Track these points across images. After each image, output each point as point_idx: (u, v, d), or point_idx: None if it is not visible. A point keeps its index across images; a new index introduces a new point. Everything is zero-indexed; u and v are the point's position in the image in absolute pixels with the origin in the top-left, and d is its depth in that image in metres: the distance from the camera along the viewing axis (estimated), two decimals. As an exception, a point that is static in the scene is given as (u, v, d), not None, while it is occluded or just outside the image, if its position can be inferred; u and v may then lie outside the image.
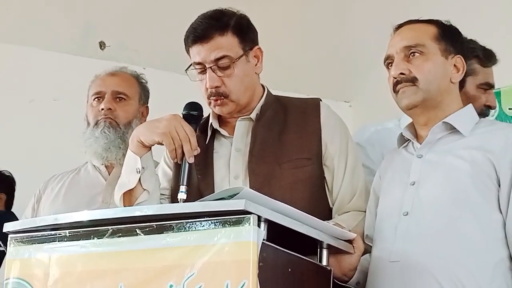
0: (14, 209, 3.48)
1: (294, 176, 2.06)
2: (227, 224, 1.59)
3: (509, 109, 3.75)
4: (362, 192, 2.14)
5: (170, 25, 3.62)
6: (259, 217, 1.59)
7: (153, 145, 2.02)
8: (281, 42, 3.71)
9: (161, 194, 2.10)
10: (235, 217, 1.58)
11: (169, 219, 1.65)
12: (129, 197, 2.02)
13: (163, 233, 1.64)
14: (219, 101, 2.07)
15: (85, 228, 1.72)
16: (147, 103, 2.61)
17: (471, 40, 2.32)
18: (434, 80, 1.97)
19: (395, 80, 1.99)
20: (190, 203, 1.72)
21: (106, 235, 1.69)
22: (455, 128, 1.98)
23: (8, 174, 3.45)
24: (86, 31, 3.66)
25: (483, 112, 2.37)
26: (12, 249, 1.79)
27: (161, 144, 2.00)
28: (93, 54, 3.65)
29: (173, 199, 2.08)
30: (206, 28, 2.06)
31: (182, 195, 1.94)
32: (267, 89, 2.20)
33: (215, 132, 2.15)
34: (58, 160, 3.21)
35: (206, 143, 2.13)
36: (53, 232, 1.75)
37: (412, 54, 1.98)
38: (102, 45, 3.70)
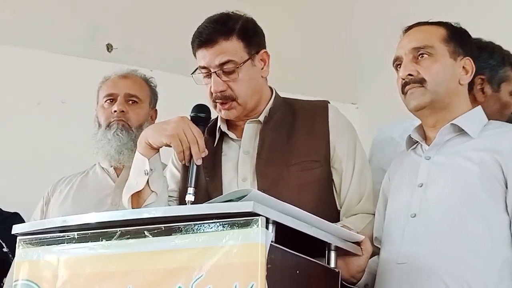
0: (22, 210, 3.48)
1: (302, 178, 2.06)
2: (235, 226, 1.59)
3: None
4: (370, 194, 2.14)
5: (176, 28, 3.62)
6: (267, 219, 1.59)
7: (161, 147, 2.03)
8: (287, 43, 3.71)
9: (169, 196, 2.10)
10: (243, 219, 1.59)
11: (177, 221, 1.65)
12: (137, 199, 2.02)
13: (171, 235, 1.64)
14: (226, 105, 2.07)
15: (93, 230, 1.73)
16: (156, 107, 2.62)
17: (506, 50, 2.33)
18: (442, 82, 1.97)
19: (403, 81, 1.99)
20: (198, 205, 1.73)
21: (115, 237, 1.70)
22: (463, 130, 1.97)
23: None
24: (93, 34, 3.66)
25: None
26: (21, 251, 1.80)
27: (169, 146, 2.01)
28: (100, 56, 3.65)
29: (181, 201, 2.09)
30: (211, 32, 2.07)
31: (190, 197, 1.94)
32: (275, 91, 2.20)
33: (223, 135, 2.16)
34: (66, 162, 3.21)
35: (215, 145, 2.13)
36: (61, 234, 1.76)
37: (420, 56, 1.98)
38: (109, 47, 3.70)
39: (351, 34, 4.03)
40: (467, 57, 2.01)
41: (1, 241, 2.51)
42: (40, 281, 1.76)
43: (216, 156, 2.12)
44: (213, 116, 2.15)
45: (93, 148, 2.52)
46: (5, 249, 2.55)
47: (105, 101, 2.54)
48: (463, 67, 2.00)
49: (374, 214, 2.12)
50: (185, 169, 2.06)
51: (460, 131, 1.98)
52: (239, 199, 1.65)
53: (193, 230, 1.62)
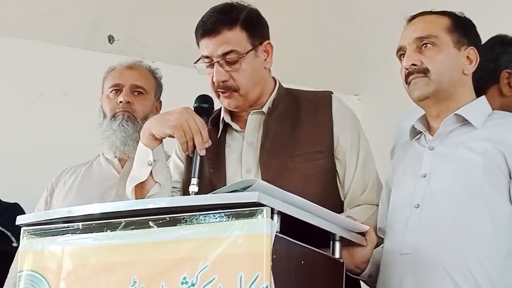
0: (24, 202, 3.48)
1: (306, 169, 2.06)
2: (240, 216, 1.59)
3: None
4: (374, 185, 2.14)
5: (178, 19, 3.61)
6: (272, 210, 1.59)
7: (164, 137, 2.02)
8: (289, 35, 3.69)
9: (172, 187, 2.10)
10: (248, 209, 1.58)
11: (182, 211, 1.65)
12: (140, 190, 2.02)
13: (176, 225, 1.64)
14: (227, 93, 2.07)
15: (98, 220, 1.73)
16: (160, 98, 2.61)
17: None
18: (446, 72, 1.96)
19: (407, 71, 1.98)
20: (203, 195, 1.73)
21: (119, 227, 1.70)
22: (467, 120, 1.97)
23: None
24: (95, 25, 3.66)
25: None
26: (25, 241, 1.80)
27: (173, 137, 2.00)
28: (102, 48, 3.64)
29: (185, 192, 2.08)
30: (214, 22, 2.06)
31: (193, 188, 1.94)
32: (279, 82, 2.20)
33: (227, 126, 2.15)
34: (68, 153, 3.21)
35: (218, 137, 2.13)
36: (66, 225, 1.76)
37: (424, 46, 1.98)
38: (111, 39, 3.69)
39: (354, 25, 4.02)
40: (471, 47, 2.00)
41: (11, 236, 2.51)
42: (44, 272, 1.76)
43: (220, 147, 2.12)
44: (216, 107, 2.14)
45: (98, 138, 2.51)
46: (14, 244, 2.55)
47: (111, 92, 2.54)
48: (467, 57, 1.99)
49: (378, 205, 2.11)
50: (189, 160, 2.06)
51: (464, 121, 1.97)
52: (244, 189, 1.65)
53: (198, 221, 1.62)
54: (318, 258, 1.75)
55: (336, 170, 2.12)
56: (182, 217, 1.64)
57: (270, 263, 1.55)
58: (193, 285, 1.60)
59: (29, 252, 1.79)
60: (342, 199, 2.13)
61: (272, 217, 1.59)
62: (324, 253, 1.80)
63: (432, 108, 2.00)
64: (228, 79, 2.06)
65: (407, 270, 1.89)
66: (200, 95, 2.08)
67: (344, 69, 4.07)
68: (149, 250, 1.66)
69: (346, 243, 1.86)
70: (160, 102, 2.61)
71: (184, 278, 1.61)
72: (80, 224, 1.74)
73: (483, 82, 2.20)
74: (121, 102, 2.49)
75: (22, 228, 1.81)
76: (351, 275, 1.94)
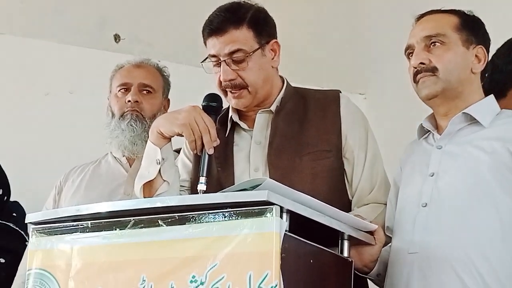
0: (30, 201, 3.49)
1: (314, 168, 2.06)
2: (249, 215, 1.59)
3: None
4: (382, 184, 2.14)
5: (184, 18, 3.61)
6: (281, 208, 1.59)
7: (172, 136, 2.02)
8: (294, 34, 3.69)
9: (180, 186, 2.09)
10: (257, 208, 1.59)
11: (191, 210, 1.65)
12: (149, 189, 2.02)
13: (185, 224, 1.64)
14: (236, 93, 2.07)
15: (107, 219, 1.73)
16: (168, 97, 2.61)
17: None
18: (454, 70, 1.96)
19: (415, 70, 1.98)
20: (212, 194, 1.72)
21: (128, 226, 1.70)
22: (475, 119, 1.96)
23: None
24: (101, 24, 3.65)
25: None
26: (34, 239, 1.80)
27: (181, 135, 2.00)
28: (108, 47, 3.63)
29: (193, 191, 2.08)
30: (221, 21, 2.06)
31: (202, 187, 1.94)
32: (287, 81, 2.20)
33: (234, 125, 2.15)
34: (74, 152, 3.22)
35: (226, 136, 2.13)
36: (75, 223, 1.76)
37: (432, 44, 1.97)
38: (116, 38, 3.69)
39: (359, 24, 4.02)
40: (480, 46, 1.99)
41: (25, 234, 2.51)
42: (53, 270, 1.76)
43: (228, 146, 2.12)
44: (224, 106, 2.14)
45: (107, 138, 2.51)
46: (27, 243, 2.55)
47: (119, 90, 2.53)
48: (476, 55, 1.99)
49: (386, 204, 2.11)
50: (197, 159, 2.06)
51: (472, 120, 1.97)
52: (253, 188, 1.65)
53: (207, 219, 1.63)
54: (326, 257, 1.75)
55: (344, 169, 2.12)
56: (191, 215, 1.64)
57: (279, 262, 1.55)
58: (202, 283, 1.60)
59: (38, 250, 1.79)
60: (350, 198, 2.13)
61: (281, 216, 1.59)
62: (333, 252, 1.80)
63: (440, 107, 2.00)
64: (236, 77, 2.06)
65: (414, 268, 1.89)
66: (209, 94, 2.08)
67: (350, 68, 4.06)
68: (158, 249, 1.66)
69: (355, 242, 1.86)
70: (168, 100, 2.61)
71: (193, 276, 1.61)
72: (89, 222, 1.74)
73: (503, 85, 2.20)
74: (129, 101, 2.48)
75: (31, 227, 1.81)
76: (360, 274, 1.94)
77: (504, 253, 1.84)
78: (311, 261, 1.68)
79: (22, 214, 2.62)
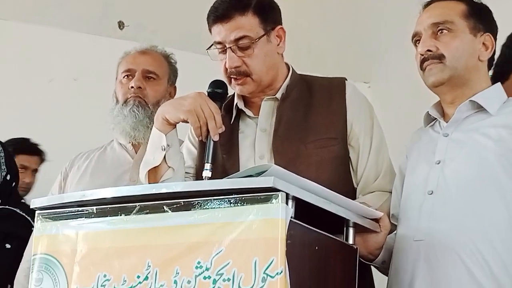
0: (35, 188, 3.51)
1: (319, 156, 2.05)
2: (255, 201, 1.58)
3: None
4: (387, 172, 2.13)
5: (188, 5, 3.61)
6: (287, 195, 1.59)
7: (178, 122, 2.01)
8: (298, 23, 3.68)
9: (185, 172, 2.09)
10: (263, 195, 1.58)
11: (196, 196, 1.64)
12: (154, 175, 2.01)
13: (190, 210, 1.64)
14: (240, 80, 2.06)
15: (112, 204, 1.72)
16: (175, 83, 2.60)
17: None
18: (461, 58, 1.95)
19: (422, 57, 1.97)
20: (218, 180, 1.71)
21: (134, 211, 1.69)
22: (482, 107, 1.95)
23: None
24: (105, 11, 3.66)
25: None
26: (39, 225, 1.80)
27: (186, 121, 1.99)
28: (112, 33, 3.64)
29: (198, 177, 2.08)
30: (226, 7, 2.05)
31: (207, 173, 1.93)
32: (292, 68, 2.19)
33: (240, 112, 2.15)
34: (78, 139, 3.22)
35: (231, 123, 2.12)
36: (80, 209, 1.76)
37: (440, 31, 1.96)
38: (121, 25, 3.69)
39: (364, 13, 4.01)
40: (487, 33, 1.98)
41: (32, 220, 2.52)
42: (59, 255, 1.76)
43: (233, 133, 2.11)
44: (230, 93, 2.14)
45: (110, 123, 2.50)
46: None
47: (123, 77, 2.52)
48: (483, 43, 1.98)
49: (391, 192, 2.11)
50: (202, 146, 2.06)
51: (479, 108, 1.96)
52: (258, 174, 1.64)
53: (213, 205, 1.62)
54: (332, 244, 1.75)
55: (349, 157, 2.11)
56: (196, 201, 1.64)
57: (285, 248, 1.54)
58: (207, 269, 1.59)
59: (43, 235, 1.79)
60: (355, 186, 2.12)
61: (287, 203, 1.58)
62: (338, 239, 1.80)
63: (447, 94, 1.99)
64: (241, 64, 2.06)
65: (420, 256, 1.89)
66: (214, 80, 2.07)
67: (354, 56, 4.06)
68: (163, 235, 1.66)
69: (360, 229, 1.86)
70: (175, 87, 2.59)
71: (199, 262, 1.61)
72: (94, 208, 1.74)
73: (506, 67, 2.18)
74: (132, 87, 2.47)
75: (36, 212, 1.81)
76: (364, 261, 1.94)
77: (510, 241, 1.83)
78: (316, 248, 1.67)
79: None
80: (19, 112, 3.50)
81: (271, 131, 2.09)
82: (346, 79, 2.19)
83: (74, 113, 3.50)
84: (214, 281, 1.58)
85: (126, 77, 2.52)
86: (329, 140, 2.07)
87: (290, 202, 1.60)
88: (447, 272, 1.84)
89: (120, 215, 1.70)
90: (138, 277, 1.65)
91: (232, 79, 2.08)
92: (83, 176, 2.48)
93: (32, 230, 2.44)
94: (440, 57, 1.95)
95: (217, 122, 1.97)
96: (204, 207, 1.63)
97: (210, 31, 2.11)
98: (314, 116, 2.09)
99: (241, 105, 2.14)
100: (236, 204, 1.60)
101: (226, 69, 2.07)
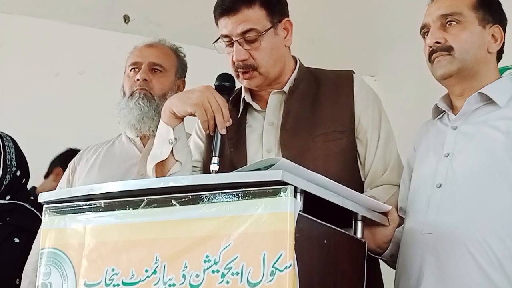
0: (39, 182, 3.51)
1: (327, 149, 2.04)
2: (263, 195, 1.58)
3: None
4: (395, 165, 2.12)
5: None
6: (295, 188, 1.58)
7: (185, 116, 2.01)
8: (304, 15, 3.67)
9: (193, 166, 2.09)
10: (272, 188, 1.57)
11: (204, 189, 1.64)
12: (161, 169, 2.01)
13: (198, 203, 1.64)
14: (247, 74, 2.06)
15: (120, 198, 1.72)
16: (184, 77, 2.59)
17: None
18: (470, 50, 1.94)
19: (430, 49, 1.96)
20: (226, 174, 1.71)
21: (141, 205, 1.69)
22: (491, 99, 1.94)
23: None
24: (111, 5, 3.65)
25: None
26: (47, 219, 1.79)
27: (194, 115, 1.99)
28: (117, 27, 3.63)
29: (205, 171, 2.08)
30: (233, 0, 2.05)
31: (214, 167, 1.93)
32: (300, 61, 2.18)
33: (247, 105, 2.14)
34: (84, 133, 3.22)
35: (239, 116, 2.11)
36: (88, 203, 1.75)
37: (448, 23, 1.95)
38: (126, 18, 3.68)
39: (370, 6, 3.99)
40: (497, 25, 1.97)
41: (40, 215, 2.52)
42: (66, 249, 1.76)
43: (241, 127, 2.10)
44: (237, 86, 2.13)
45: (116, 116, 2.50)
46: None
47: (130, 70, 2.52)
48: (492, 35, 1.97)
49: (399, 186, 2.10)
50: (209, 139, 2.05)
51: (488, 100, 1.95)
52: (266, 168, 1.64)
53: (221, 199, 1.62)
54: (340, 237, 1.75)
55: (357, 150, 2.11)
56: (204, 195, 1.63)
57: (294, 242, 1.54)
58: (215, 263, 1.59)
59: (51, 229, 1.78)
60: (363, 179, 2.12)
61: (295, 196, 1.58)
62: (346, 232, 1.79)
63: (455, 86, 1.98)
64: (248, 57, 2.05)
65: (428, 249, 1.88)
66: (221, 74, 2.06)
67: (360, 50, 4.04)
68: (171, 228, 1.66)
69: (368, 223, 1.85)
70: (184, 81, 2.58)
71: (207, 256, 1.60)
72: (102, 202, 1.73)
73: None
74: (138, 80, 2.47)
75: (44, 206, 1.81)
76: (373, 255, 1.93)
77: (519, 233, 1.82)
78: (325, 241, 1.67)
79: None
80: (25, 105, 3.50)
81: (278, 124, 2.08)
82: (354, 72, 2.18)
83: (80, 107, 3.49)
84: (223, 275, 1.57)
85: (132, 70, 2.52)
86: (336, 134, 2.07)
87: (298, 195, 1.59)
88: (455, 265, 1.84)
89: (128, 209, 1.70)
90: (146, 271, 1.65)
91: (240, 73, 2.07)
92: (91, 169, 2.48)
93: (40, 225, 2.46)
94: (449, 49, 1.94)
95: (224, 115, 1.96)
96: (212, 201, 1.62)
97: (217, 24, 2.10)
98: (321, 110, 2.08)
99: (248, 99, 2.13)
100: (244, 198, 1.59)
101: (234, 63, 2.07)
